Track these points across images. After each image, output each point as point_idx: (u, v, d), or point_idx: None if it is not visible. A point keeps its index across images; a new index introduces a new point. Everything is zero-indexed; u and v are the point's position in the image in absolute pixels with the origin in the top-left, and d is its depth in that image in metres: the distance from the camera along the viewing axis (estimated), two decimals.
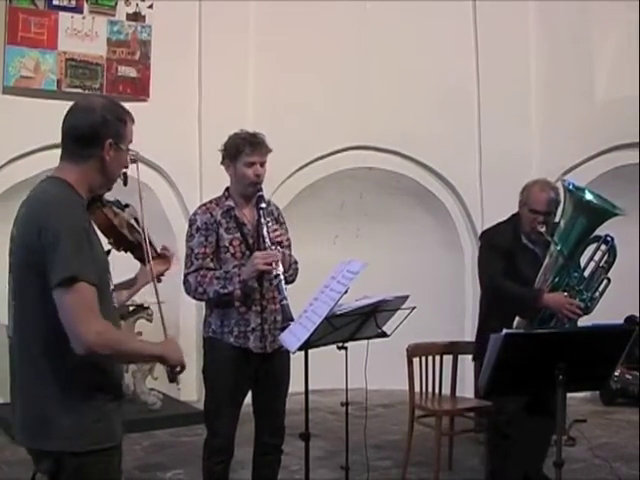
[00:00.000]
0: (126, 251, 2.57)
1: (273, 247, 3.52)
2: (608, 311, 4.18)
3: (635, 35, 7.23)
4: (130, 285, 2.64)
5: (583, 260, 4.16)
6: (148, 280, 2.65)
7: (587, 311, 4.06)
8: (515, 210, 4.36)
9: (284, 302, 3.48)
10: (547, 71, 7.37)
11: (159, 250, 2.74)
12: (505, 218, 4.37)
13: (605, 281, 4.08)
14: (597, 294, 4.07)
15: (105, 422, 2.27)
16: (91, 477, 2.24)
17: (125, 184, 2.46)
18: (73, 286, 2.11)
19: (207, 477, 3.69)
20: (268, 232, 3.54)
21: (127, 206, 2.56)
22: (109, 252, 2.42)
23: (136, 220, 2.58)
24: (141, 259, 2.58)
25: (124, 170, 2.41)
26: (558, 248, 3.97)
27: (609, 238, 4.06)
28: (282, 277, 3.49)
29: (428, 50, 7.21)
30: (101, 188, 2.36)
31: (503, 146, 7.21)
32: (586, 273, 4.12)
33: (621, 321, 6.11)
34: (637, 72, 7.15)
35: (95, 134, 2.26)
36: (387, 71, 7.17)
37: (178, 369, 2.41)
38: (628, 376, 6.78)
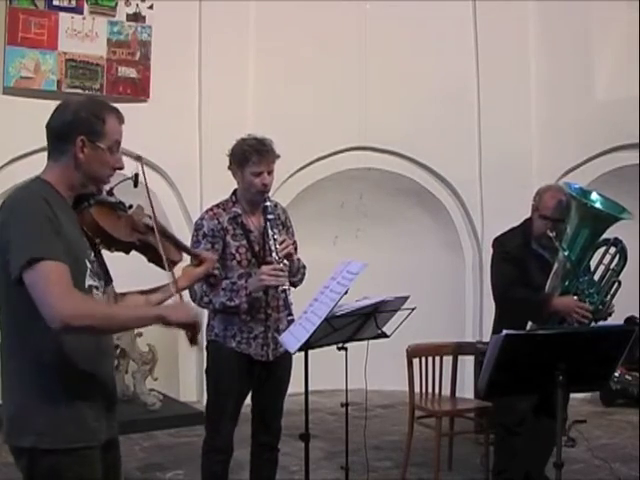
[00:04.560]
0: (127, 252, 2.48)
1: (280, 261, 3.47)
2: None
3: (635, 35, 7.23)
4: (164, 291, 2.55)
5: (594, 263, 4.15)
6: (188, 285, 2.65)
7: (599, 315, 4.03)
8: (515, 210, 4.36)
9: (290, 318, 3.47)
10: (547, 71, 7.37)
11: (194, 252, 2.71)
12: (517, 224, 4.36)
13: (616, 284, 4.07)
14: (608, 297, 4.06)
15: (81, 421, 2.24)
16: (64, 477, 2.21)
17: (135, 185, 2.44)
18: (35, 266, 2.07)
19: (206, 476, 3.68)
20: (276, 246, 3.49)
21: (130, 207, 2.49)
22: (99, 252, 2.38)
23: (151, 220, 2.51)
24: (155, 262, 2.50)
25: (135, 172, 2.40)
26: (566, 254, 3.97)
27: (618, 241, 4.05)
28: (289, 292, 3.46)
29: (428, 50, 7.21)
30: (84, 186, 2.31)
31: (503, 146, 7.21)
32: (597, 276, 4.10)
33: (621, 322, 6.12)
34: (637, 72, 7.15)
35: (65, 131, 2.24)
36: (387, 71, 7.17)
37: (191, 331, 2.33)
38: (628, 377, 6.78)
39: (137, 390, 6.25)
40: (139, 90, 6.71)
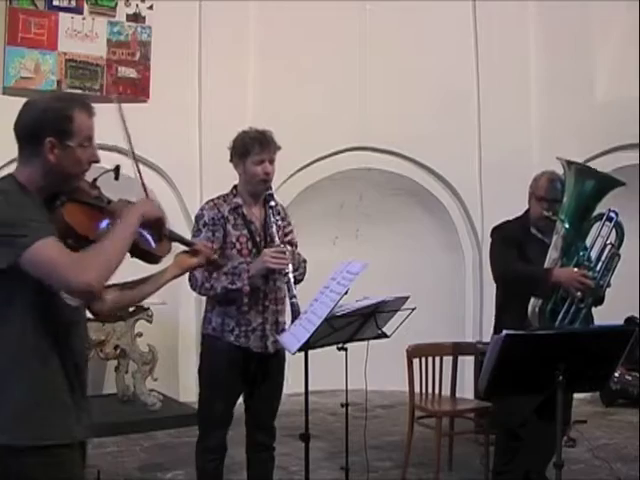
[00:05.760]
0: None
1: (282, 245, 3.50)
2: (608, 311, 4.17)
3: (635, 35, 7.23)
4: (151, 282, 2.50)
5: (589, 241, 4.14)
6: (179, 274, 2.57)
7: (599, 290, 4.01)
8: (516, 210, 4.36)
9: (293, 300, 3.45)
10: (547, 71, 7.37)
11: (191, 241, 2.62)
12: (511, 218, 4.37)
13: (616, 258, 4.04)
14: (607, 271, 4.02)
15: (53, 418, 2.19)
16: (36, 476, 2.16)
17: (116, 178, 2.37)
18: (30, 250, 2.04)
19: (201, 476, 3.68)
20: (278, 230, 3.53)
21: (109, 203, 2.37)
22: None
23: None
24: (138, 256, 2.38)
25: (117, 164, 2.35)
26: (566, 226, 3.97)
27: (613, 214, 4.02)
28: (291, 275, 3.47)
29: (428, 50, 7.21)
30: (57, 187, 2.25)
31: (503, 146, 7.21)
32: (595, 251, 4.07)
33: (621, 322, 6.12)
34: (637, 72, 7.15)
35: (32, 133, 2.19)
36: (387, 72, 7.17)
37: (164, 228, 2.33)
38: (628, 377, 6.78)
39: (137, 390, 6.25)
40: (139, 90, 6.71)
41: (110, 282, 2.35)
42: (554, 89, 7.35)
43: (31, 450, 2.15)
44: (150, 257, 2.41)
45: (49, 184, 2.23)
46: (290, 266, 3.47)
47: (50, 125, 2.18)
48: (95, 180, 2.36)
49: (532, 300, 4.07)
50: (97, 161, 2.28)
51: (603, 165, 7.34)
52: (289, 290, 3.49)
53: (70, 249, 2.20)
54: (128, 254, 2.34)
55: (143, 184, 2.44)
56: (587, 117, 7.29)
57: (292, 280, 3.47)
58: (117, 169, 2.37)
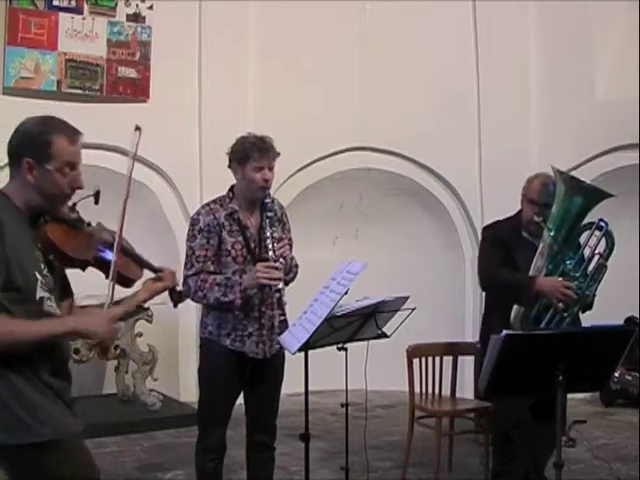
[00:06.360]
0: (82, 269, 2.51)
1: (277, 260, 3.46)
2: (608, 311, 4.17)
3: (635, 35, 7.23)
4: (124, 303, 2.60)
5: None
6: (147, 298, 2.66)
7: (584, 299, 3.98)
8: (515, 209, 4.36)
9: (282, 318, 3.49)
10: (547, 71, 7.37)
11: (157, 267, 2.71)
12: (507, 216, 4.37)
13: (603, 269, 4.00)
14: (594, 282, 3.99)
15: (32, 415, 2.26)
16: (23, 474, 2.26)
17: (96, 202, 2.49)
18: None
19: (201, 476, 3.69)
20: (273, 244, 3.49)
21: (89, 225, 2.53)
22: (53, 267, 2.41)
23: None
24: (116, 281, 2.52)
25: (97, 189, 2.49)
26: (552, 234, 3.95)
27: (602, 223, 3.99)
28: (283, 292, 3.45)
29: (428, 50, 7.21)
30: (40, 205, 2.37)
31: (503, 146, 7.21)
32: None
33: (621, 322, 6.12)
34: (637, 72, 7.15)
35: (14, 152, 2.35)
36: (387, 72, 7.17)
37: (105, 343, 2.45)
38: (628, 377, 6.78)
39: (137, 390, 6.25)
40: (139, 90, 6.71)
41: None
42: (554, 89, 7.35)
43: (16, 448, 2.23)
44: (123, 281, 2.56)
45: (32, 201, 2.35)
46: (282, 283, 3.44)
47: (28, 147, 2.32)
48: (75, 205, 2.50)
49: (515, 306, 4.06)
50: (81, 187, 2.40)
51: (603, 165, 7.37)
52: (279, 307, 3.50)
53: (51, 264, 2.38)
54: (102, 275, 2.50)
55: (113, 271, 2.47)
56: (587, 117, 7.29)
57: (284, 298, 3.47)
58: (97, 194, 2.51)
